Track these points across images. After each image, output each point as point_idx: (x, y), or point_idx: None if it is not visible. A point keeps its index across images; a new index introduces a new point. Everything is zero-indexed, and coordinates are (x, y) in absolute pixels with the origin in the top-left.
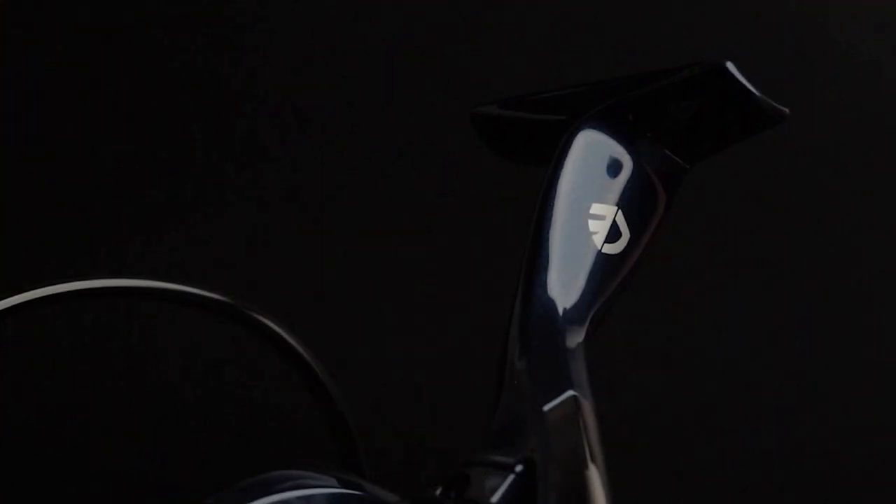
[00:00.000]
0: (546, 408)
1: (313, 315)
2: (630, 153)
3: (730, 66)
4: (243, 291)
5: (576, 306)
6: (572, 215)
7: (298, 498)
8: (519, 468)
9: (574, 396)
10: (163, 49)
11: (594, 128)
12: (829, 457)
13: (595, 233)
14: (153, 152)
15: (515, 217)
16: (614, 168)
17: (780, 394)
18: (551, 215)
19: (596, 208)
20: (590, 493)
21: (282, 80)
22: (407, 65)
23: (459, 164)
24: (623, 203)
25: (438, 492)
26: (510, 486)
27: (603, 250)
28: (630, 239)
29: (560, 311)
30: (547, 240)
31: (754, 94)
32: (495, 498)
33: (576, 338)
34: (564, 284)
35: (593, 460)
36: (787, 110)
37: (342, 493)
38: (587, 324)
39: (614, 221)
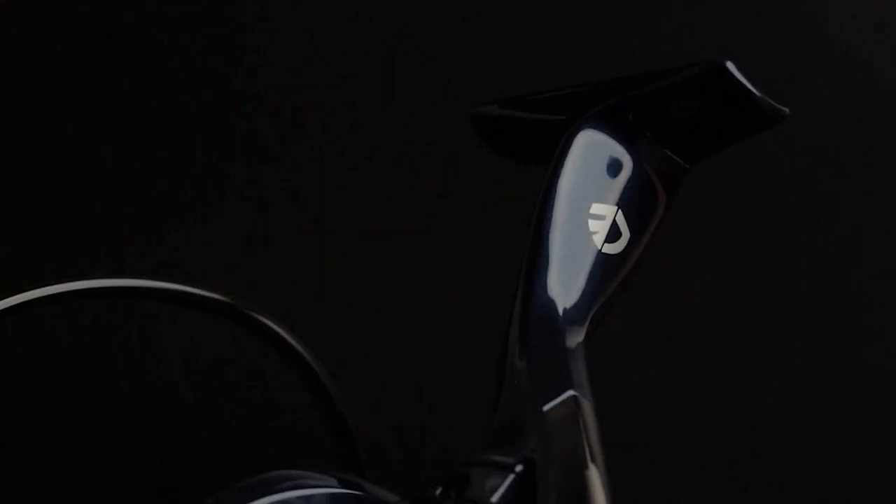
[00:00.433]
0: (546, 408)
1: (313, 315)
2: (630, 153)
3: (730, 65)
4: (243, 291)
5: (576, 306)
6: (572, 215)
7: (298, 498)
8: (519, 468)
9: (574, 396)
10: (163, 49)
11: (594, 128)
12: (829, 457)
13: (595, 233)
14: (153, 152)
15: (515, 217)
16: (614, 168)
17: (780, 394)
18: (551, 215)
19: (596, 208)
20: (590, 493)
21: (282, 80)
22: (407, 65)
23: (459, 164)
24: (623, 203)
25: (438, 492)
26: (510, 485)
27: (603, 250)
28: (630, 239)
29: (560, 311)
30: (547, 240)
31: (754, 94)
32: (495, 498)
33: (576, 338)
34: (564, 284)
35: (593, 460)
36: (787, 110)
37: (342, 493)
38: (587, 324)
39: (614, 221)
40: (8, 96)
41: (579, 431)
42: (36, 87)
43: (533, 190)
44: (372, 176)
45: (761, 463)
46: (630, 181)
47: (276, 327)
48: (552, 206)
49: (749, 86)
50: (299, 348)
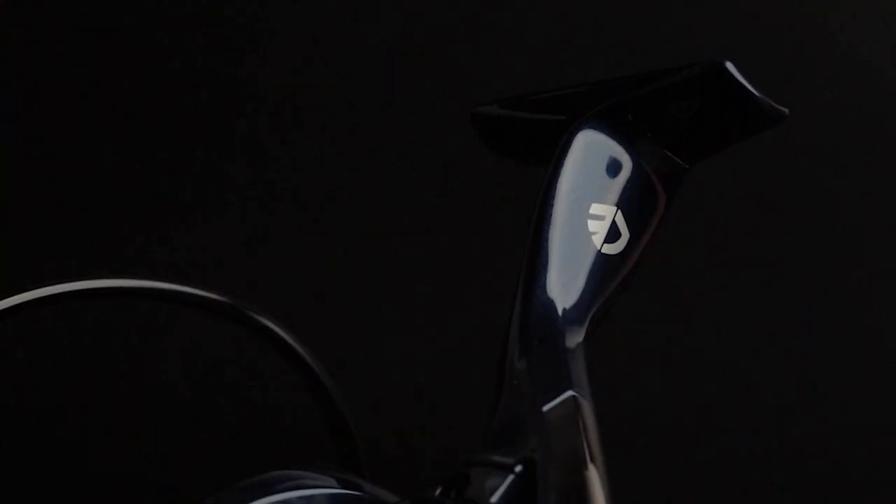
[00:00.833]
0: (546, 408)
1: (313, 315)
2: (630, 153)
3: (729, 66)
4: (243, 291)
5: (576, 306)
6: (572, 215)
7: (298, 498)
8: (519, 468)
9: (574, 396)
10: (163, 49)
11: (594, 128)
12: (829, 457)
13: (595, 233)
14: (153, 152)
15: (515, 217)
16: (614, 168)
17: (780, 394)
18: (551, 215)
19: (595, 208)
20: (590, 493)
21: (282, 80)
22: (407, 65)
23: (459, 164)
24: (623, 203)
25: (438, 492)
26: (510, 486)
27: (602, 250)
28: (630, 239)
29: (560, 311)
30: (547, 240)
31: (754, 94)
32: (495, 498)
33: (576, 338)
34: (564, 284)
35: (593, 460)
36: (786, 110)
37: (342, 494)
38: (587, 324)
39: (614, 221)
40: (8, 96)
41: (579, 431)
42: (36, 87)
43: (533, 190)
44: (372, 176)
45: (761, 463)
46: (630, 181)
47: (275, 327)
48: (552, 206)
49: (749, 86)
50: (299, 348)
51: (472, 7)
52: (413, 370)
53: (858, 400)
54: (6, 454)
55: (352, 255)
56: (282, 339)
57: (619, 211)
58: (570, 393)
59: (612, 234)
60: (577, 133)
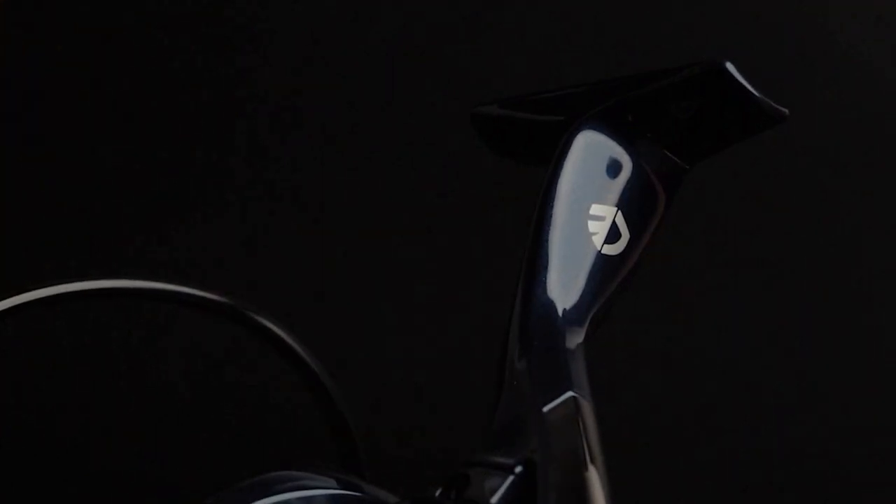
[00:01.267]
0: (546, 408)
1: (313, 315)
2: (630, 153)
3: (729, 66)
4: (243, 291)
5: (576, 307)
6: (572, 216)
7: (298, 499)
8: (519, 469)
9: (574, 397)
10: (163, 49)
11: (594, 128)
12: (829, 457)
13: (595, 233)
14: (153, 152)
15: (515, 217)
16: (614, 168)
17: (780, 394)
18: (551, 216)
19: (595, 209)
20: (590, 493)
21: (282, 80)
22: (407, 65)
23: (459, 164)
24: (623, 204)
25: (438, 492)
26: (510, 486)
27: (603, 251)
28: (630, 240)
29: (560, 311)
30: (547, 241)
31: (754, 95)
32: (495, 498)
33: (576, 338)
34: (564, 285)
35: (593, 461)
36: (786, 110)
37: (342, 494)
38: (587, 324)
39: (614, 222)
40: (8, 96)
41: (579, 432)
42: (36, 87)
43: (533, 190)
44: (372, 176)
45: (761, 463)
46: (630, 182)
47: (275, 327)
48: (552, 206)
49: (749, 86)
50: (299, 348)
51: (472, 7)
52: (413, 370)
53: (858, 400)
54: (6, 454)
55: (352, 255)
56: (282, 339)
57: (620, 211)
58: (570, 393)
59: (613, 235)
60: (576, 133)
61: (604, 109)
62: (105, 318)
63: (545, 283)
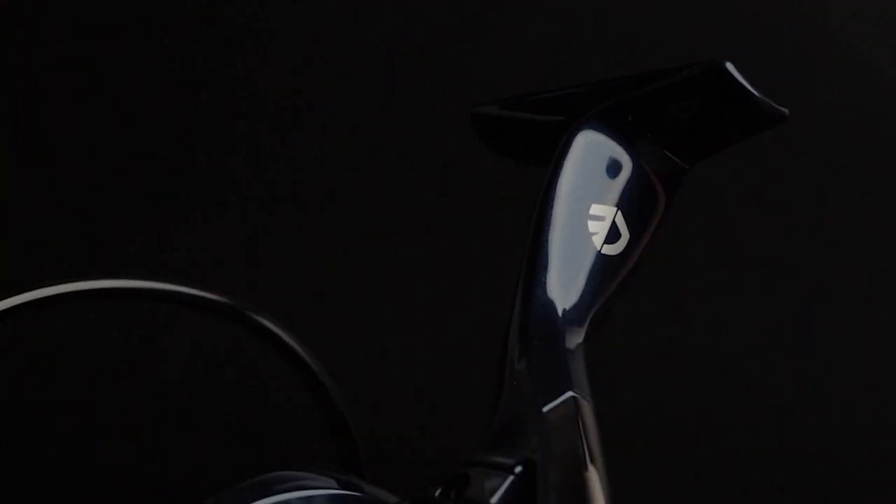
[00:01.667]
0: (546, 408)
1: (313, 315)
2: (630, 153)
3: (729, 66)
4: (243, 291)
5: (576, 307)
6: (572, 216)
7: (298, 499)
8: (518, 469)
9: (574, 397)
10: (163, 49)
11: (594, 128)
12: (829, 457)
13: (595, 233)
14: (153, 152)
15: (515, 217)
16: (614, 168)
17: (780, 394)
18: (551, 216)
19: (595, 209)
20: (590, 493)
21: (282, 80)
22: (407, 65)
23: (459, 164)
24: (623, 204)
25: (438, 492)
26: (510, 486)
27: (602, 251)
28: (630, 240)
29: (560, 311)
30: (546, 241)
31: (754, 95)
32: (495, 499)
33: (576, 338)
34: (564, 285)
35: (593, 461)
36: (786, 110)
37: (342, 494)
38: (587, 324)
39: (614, 222)
40: (8, 96)
41: (579, 432)
42: (36, 87)
43: (533, 190)
44: (372, 176)
45: (761, 463)
46: (630, 182)
47: (275, 327)
48: (552, 206)
49: (749, 86)
50: (299, 348)
51: (472, 7)
52: (413, 370)
53: (858, 400)
54: (6, 454)
55: (352, 255)
56: (282, 339)
57: (619, 211)
58: (570, 393)
59: (613, 235)
60: (576, 133)
61: (604, 109)
62: (105, 318)
63: (545, 283)
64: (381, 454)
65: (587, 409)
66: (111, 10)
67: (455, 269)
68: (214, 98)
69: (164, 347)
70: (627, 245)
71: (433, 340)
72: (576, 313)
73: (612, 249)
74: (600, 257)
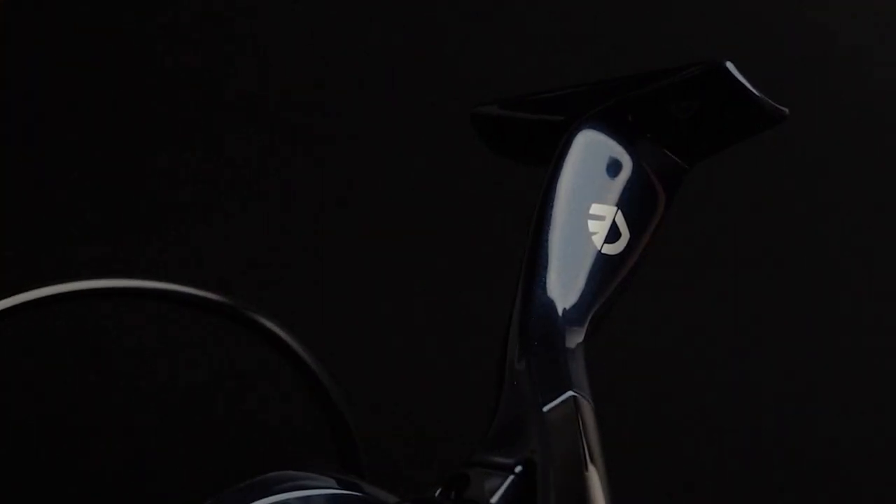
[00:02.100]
0: (546, 408)
1: (313, 315)
2: (630, 153)
3: (730, 65)
4: (243, 291)
5: (576, 307)
6: (572, 216)
7: (298, 499)
8: (518, 469)
9: (574, 397)
10: (163, 49)
11: (594, 128)
12: (829, 457)
13: (595, 233)
14: (153, 152)
15: (515, 217)
16: (614, 168)
17: (780, 394)
18: (551, 216)
19: (595, 209)
20: (590, 494)
21: (282, 80)
22: (407, 65)
23: (459, 164)
24: (623, 203)
25: (438, 492)
26: (510, 486)
27: (603, 251)
28: (630, 239)
29: (560, 311)
30: (546, 240)
31: (754, 94)
32: (495, 499)
33: (576, 338)
34: (564, 285)
35: (593, 461)
36: (787, 110)
37: (342, 494)
38: (587, 324)
39: (614, 222)
40: (8, 96)
41: (579, 432)
42: (36, 87)
43: (533, 190)
44: (372, 176)
45: (761, 463)
46: (630, 181)
47: (275, 327)
48: (552, 206)
49: (749, 86)
50: (299, 348)
51: (472, 7)
52: (413, 370)
53: (858, 400)
54: (6, 454)
55: (352, 256)
56: (282, 339)
57: (620, 211)
58: (570, 393)
59: (613, 235)
60: (577, 133)
61: (604, 109)
62: (105, 318)
63: (545, 283)
64: (381, 454)
65: (587, 409)
66: (111, 10)
67: (455, 269)
68: (214, 98)
69: (163, 347)
70: (628, 245)
71: (433, 340)
72: (576, 313)
73: (613, 249)
74: (600, 257)
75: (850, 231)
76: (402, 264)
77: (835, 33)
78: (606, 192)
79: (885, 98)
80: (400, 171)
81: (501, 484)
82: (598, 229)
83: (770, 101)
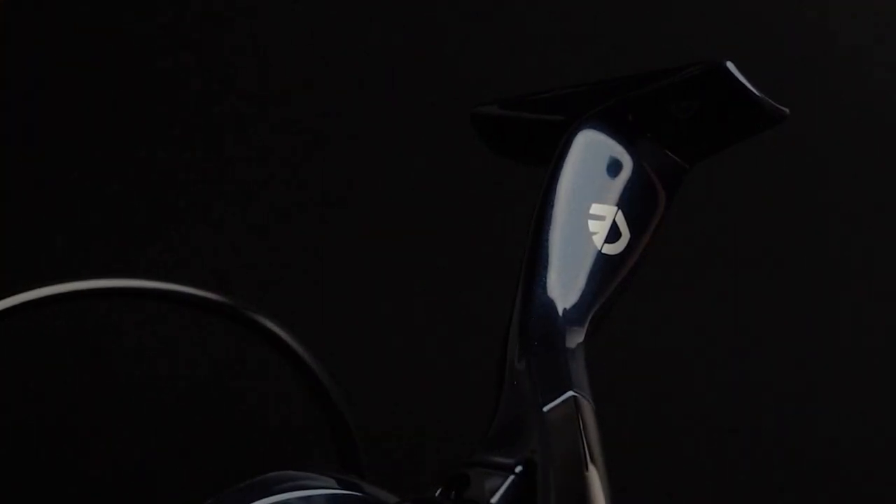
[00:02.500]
0: (546, 408)
1: (313, 315)
2: (630, 153)
3: (730, 65)
4: (243, 291)
5: (576, 306)
6: (572, 216)
7: (298, 499)
8: (519, 469)
9: (574, 397)
10: (162, 49)
11: (594, 128)
12: (829, 457)
13: (595, 233)
14: (153, 152)
15: (515, 217)
16: (614, 168)
17: (780, 394)
18: (551, 216)
19: (596, 208)
20: (590, 494)
21: (282, 80)
22: (407, 65)
23: (459, 164)
24: (623, 203)
25: (438, 492)
26: (510, 486)
27: (603, 251)
28: (630, 239)
29: (560, 311)
30: (547, 240)
31: (754, 94)
32: (495, 499)
33: (576, 338)
34: (564, 285)
35: (593, 461)
36: (787, 110)
37: (342, 494)
38: (587, 324)
39: (614, 222)
40: (8, 96)
41: (579, 432)
42: (36, 87)
43: (533, 190)
44: (372, 176)
45: (761, 463)
46: (630, 181)
47: (275, 327)
48: (552, 206)
49: (749, 86)
50: (299, 348)
51: (472, 7)
52: (413, 370)
53: (858, 400)
54: (6, 454)
55: (352, 256)
56: (282, 338)
57: (620, 211)
58: (570, 393)
59: (613, 235)
60: (577, 133)
61: (604, 109)
62: (105, 318)
63: (545, 282)
64: (381, 454)
65: (587, 408)
66: (111, 10)
67: (455, 269)
68: (214, 98)
69: (163, 347)
70: (628, 245)
71: (433, 340)
72: (576, 313)
73: (613, 249)
74: (601, 257)
75: (850, 231)
76: (402, 264)
77: (835, 33)
78: (607, 191)
79: (885, 98)
80: (400, 171)
81: (501, 484)
82: (599, 229)
83: (770, 101)
